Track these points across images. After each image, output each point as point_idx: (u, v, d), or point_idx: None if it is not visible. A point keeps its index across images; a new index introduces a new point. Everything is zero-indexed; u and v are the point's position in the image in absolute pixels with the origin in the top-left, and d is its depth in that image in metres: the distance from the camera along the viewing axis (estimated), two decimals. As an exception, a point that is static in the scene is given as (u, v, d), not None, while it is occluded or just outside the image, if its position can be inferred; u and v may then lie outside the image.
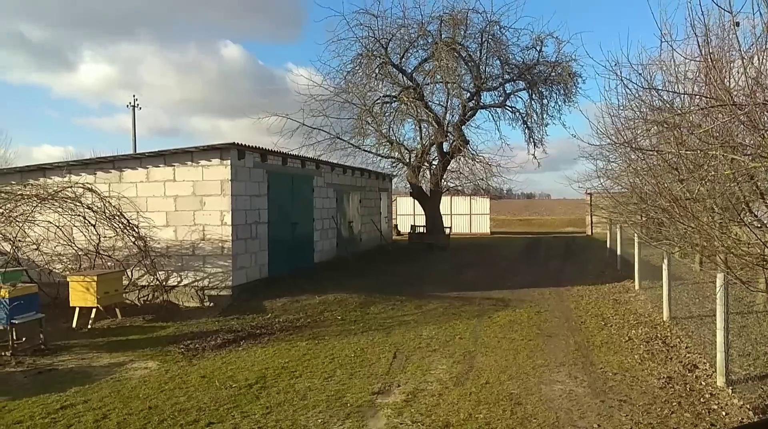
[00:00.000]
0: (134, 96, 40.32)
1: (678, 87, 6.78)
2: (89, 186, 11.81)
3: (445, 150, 24.19)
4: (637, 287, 13.12)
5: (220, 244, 12.20)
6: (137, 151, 13.99)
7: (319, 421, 5.77)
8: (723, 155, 5.45)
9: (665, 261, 9.82)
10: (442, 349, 8.43)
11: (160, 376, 7.50)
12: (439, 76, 22.87)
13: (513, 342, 8.76)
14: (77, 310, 10.49)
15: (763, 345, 7.33)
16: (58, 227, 11.88)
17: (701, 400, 5.96)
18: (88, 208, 11.49)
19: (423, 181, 24.93)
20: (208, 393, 6.73)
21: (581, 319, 10.41)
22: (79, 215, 11.57)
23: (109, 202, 11.67)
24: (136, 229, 11.79)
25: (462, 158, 23.84)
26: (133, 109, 40.51)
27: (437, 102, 24.49)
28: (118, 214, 11.59)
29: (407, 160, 23.87)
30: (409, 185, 25.17)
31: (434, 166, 24.49)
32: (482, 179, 24.10)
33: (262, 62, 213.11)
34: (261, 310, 11.50)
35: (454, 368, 7.46)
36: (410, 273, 17.07)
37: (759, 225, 5.96)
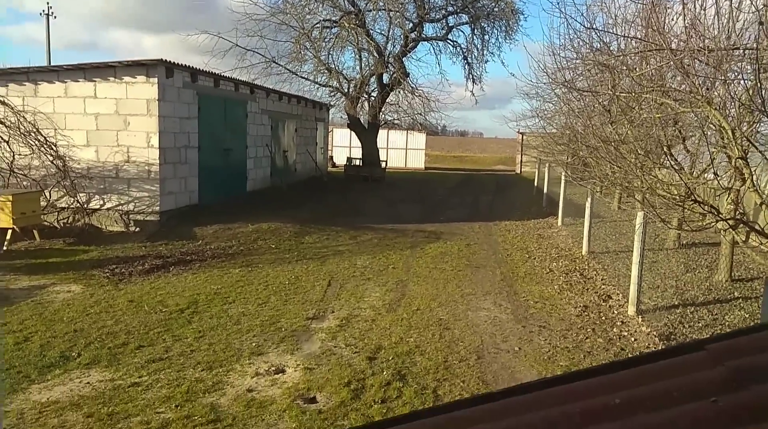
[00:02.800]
0: (48, 2, 36.51)
1: (617, 29, 6.89)
2: (1, 98, 10.84)
3: (384, 82, 23.83)
4: (560, 224, 13.80)
5: (146, 168, 11.64)
6: (53, 64, 12.83)
7: (254, 344, 5.82)
8: (654, 100, 5.66)
9: (588, 199, 10.32)
10: (376, 278, 8.62)
11: (85, 300, 7.27)
12: (381, 3, 22.16)
13: (443, 272, 9.07)
14: (-10, 231, 9.86)
15: (671, 279, 7.97)
16: (-35, 142, 10.92)
17: (613, 327, 6.47)
18: (0, 122, 10.59)
19: (361, 113, 24.61)
20: (136, 317, 6.61)
21: (507, 252, 10.89)
22: (-11, 130, 10.66)
23: (23, 116, 10.78)
24: (54, 148, 11.03)
25: (401, 91, 23.64)
26: (47, 17, 36.93)
27: (379, 31, 23.89)
28: (34, 130, 10.77)
29: (346, 91, 23.37)
30: (346, 116, 24.78)
31: (373, 98, 24.16)
32: (420, 114, 24.10)
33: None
34: (191, 236, 11.24)
35: (387, 296, 7.67)
36: (345, 205, 17.11)
37: (678, 168, 6.33)
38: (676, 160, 6.94)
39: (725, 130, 4.65)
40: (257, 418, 4.36)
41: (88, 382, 4.93)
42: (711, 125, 5.59)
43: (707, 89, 4.92)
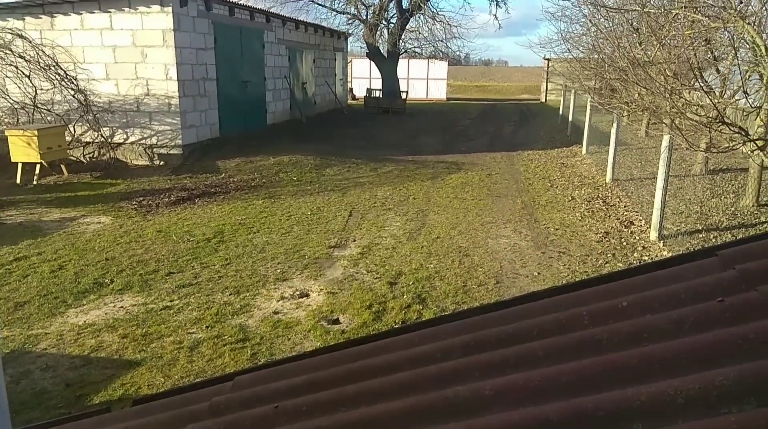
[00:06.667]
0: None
1: (650, -59, 6.48)
2: (18, 32, 10.79)
3: (404, 7, 23.02)
4: (584, 152, 13.56)
5: (166, 101, 11.64)
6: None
7: (278, 271, 6.00)
8: (685, 17, 5.39)
9: (614, 125, 10.07)
10: (396, 208, 8.68)
11: (115, 230, 7.50)
12: None
13: (464, 202, 9.09)
14: (20, 166, 10.09)
15: (696, 205, 7.87)
16: (-13, 77, 11.00)
17: (634, 252, 6.47)
18: (20, 56, 10.60)
19: (380, 42, 23.95)
20: (165, 246, 6.82)
21: (529, 181, 10.81)
22: (10, 65, 10.69)
23: (42, 50, 10.76)
24: (75, 81, 11.06)
25: (422, 17, 22.84)
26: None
27: (397, -49, 22.81)
28: (54, 64, 10.77)
29: (364, 17, 22.67)
30: (365, 46, 24.15)
31: (392, 25, 23.41)
32: (442, 41, 23.38)
33: None
34: (214, 169, 11.36)
35: (407, 225, 7.75)
36: (366, 137, 16.99)
37: (708, 89, 6.10)
38: (705, 81, 6.68)
39: (759, 47, 4.44)
40: (283, 337, 4.56)
41: (122, 306, 5.17)
42: (744, 43, 5.33)
43: (741, 2, 4.66)
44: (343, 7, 22.61)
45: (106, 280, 5.74)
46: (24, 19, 11.59)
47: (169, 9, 11.20)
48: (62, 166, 10.65)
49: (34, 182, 10.07)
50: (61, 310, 5.09)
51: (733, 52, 5.26)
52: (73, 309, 5.13)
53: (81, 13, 11.49)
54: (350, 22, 23.60)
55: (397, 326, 4.59)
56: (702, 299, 1.21)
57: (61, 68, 10.85)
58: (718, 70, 7.23)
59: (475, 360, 1.26)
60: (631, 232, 7.20)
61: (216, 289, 5.53)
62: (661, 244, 6.52)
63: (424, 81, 35.30)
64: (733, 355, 1.00)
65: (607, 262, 6.16)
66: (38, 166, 10.08)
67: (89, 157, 11.69)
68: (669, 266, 1.44)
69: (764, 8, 4.58)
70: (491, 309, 1.60)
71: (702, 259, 1.41)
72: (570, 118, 18.05)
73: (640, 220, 7.59)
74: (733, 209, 7.70)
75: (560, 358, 1.15)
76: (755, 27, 4.58)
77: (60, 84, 10.85)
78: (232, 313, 5.00)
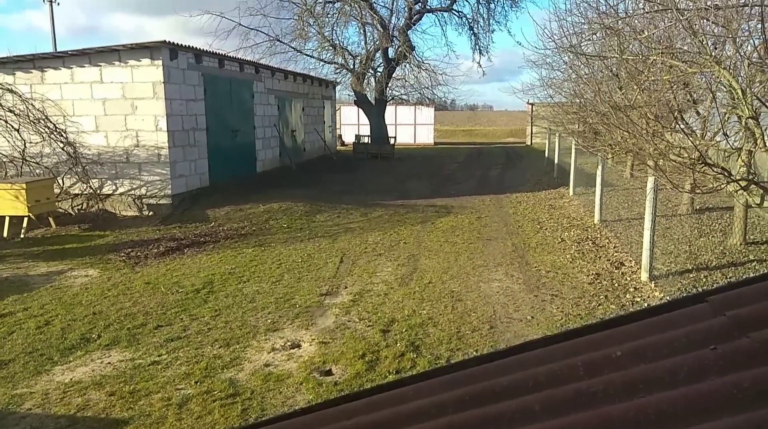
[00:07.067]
0: (50, -10, 36.31)
1: (624, -9, 6.77)
2: (9, 86, 10.90)
3: (390, 56, 23.59)
4: (571, 193, 13.72)
5: (156, 151, 11.71)
6: (59, 50, 12.81)
7: (269, 321, 5.92)
8: (662, 62, 5.57)
9: (599, 167, 10.24)
10: (387, 253, 8.67)
11: (103, 283, 7.40)
12: (385, -25, 21.83)
13: (455, 245, 9.10)
14: (7, 219, 10.01)
15: (684, 244, 7.93)
16: (-24, 132, 11.03)
17: (626, 293, 6.48)
18: (10, 110, 10.67)
19: (368, 90, 24.43)
20: (153, 298, 6.73)
21: (519, 223, 10.87)
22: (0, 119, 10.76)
23: (32, 104, 10.85)
24: (64, 134, 11.11)
25: (408, 65, 23.42)
26: (51, 3, 36.86)
27: (382, 3, 23.61)
28: (44, 117, 10.84)
29: (351, 67, 23.19)
30: (353, 93, 24.62)
31: (379, 74, 23.96)
32: (427, 88, 23.89)
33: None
34: (204, 218, 11.34)
35: (398, 270, 7.72)
36: (355, 182, 17.12)
37: (689, 131, 6.25)
38: (686, 123, 6.86)
39: (735, 90, 4.58)
40: (275, 391, 4.46)
41: (109, 362, 5.05)
42: (721, 86, 5.50)
43: (716, 49, 4.84)
44: (331, 57, 23.17)
45: (93, 336, 5.63)
46: (14, 73, 11.74)
47: (159, 62, 11.41)
48: (50, 219, 10.58)
49: (22, 235, 9.98)
50: (47, 368, 4.96)
51: (711, 95, 5.42)
52: (59, 366, 5.00)
53: (71, 67, 11.67)
54: (338, 71, 24.14)
55: (390, 380, 4.51)
56: (695, 347, 1.20)
57: (51, 121, 10.93)
58: (698, 112, 7.44)
59: (470, 415, 1.24)
60: (622, 273, 7.22)
61: (205, 341, 5.43)
62: (653, 285, 6.53)
63: (411, 126, 35.88)
64: (729, 405, 0.99)
65: (600, 305, 6.15)
66: (26, 219, 10.01)
67: (78, 209, 11.64)
68: (660, 313, 1.44)
69: (738, 53, 4.75)
70: (485, 360, 1.59)
71: (693, 306, 1.41)
72: (556, 161, 18.34)
73: (631, 260, 7.63)
74: (721, 248, 7.77)
75: (556, 412, 1.14)
76: (731, 71, 4.74)
77: (49, 137, 10.90)
78: (222, 366, 4.89)
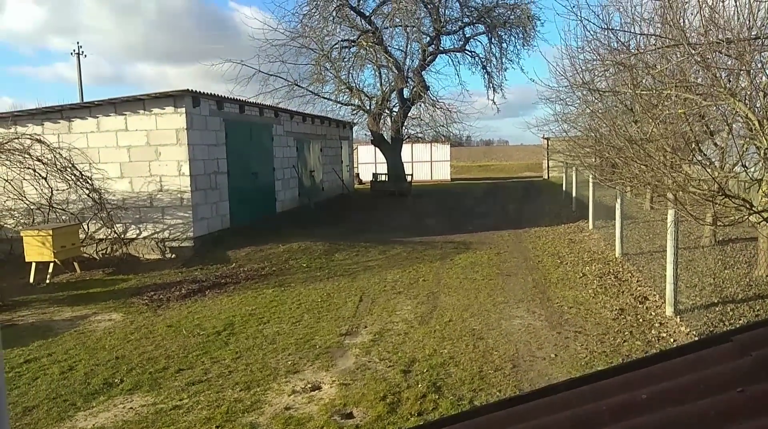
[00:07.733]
0: (78, 43, 37.97)
1: (634, 28, 6.85)
2: (37, 137, 11.29)
3: (405, 96, 23.99)
4: (591, 227, 13.60)
5: (179, 195, 11.94)
6: (85, 101, 13.33)
7: (289, 362, 5.89)
8: (676, 95, 5.60)
9: (618, 201, 10.17)
10: (407, 291, 8.63)
11: (126, 327, 7.46)
12: (398, 19, 22.43)
13: (474, 282, 9.03)
14: (33, 265, 10.21)
15: (709, 277, 7.77)
16: (6, 181, 11.39)
17: (651, 329, 6.34)
18: (38, 160, 11.03)
19: (384, 129, 24.79)
20: (175, 341, 6.76)
21: (538, 258, 10.78)
22: (28, 168, 11.11)
23: (59, 153, 11.21)
24: (90, 181, 11.41)
25: (422, 104, 23.76)
26: (78, 56, 38.38)
27: (397, 47, 24.14)
28: (70, 165, 11.17)
29: (368, 108, 23.61)
30: (370, 133, 24.99)
31: (395, 113, 24.33)
32: (443, 126, 24.16)
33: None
34: (225, 260, 11.45)
35: (418, 308, 7.67)
36: (373, 220, 17.19)
37: (708, 163, 6.21)
38: (704, 155, 6.82)
39: (752, 122, 4.57)
40: (296, 435, 4.41)
41: (131, 407, 5.05)
42: (738, 118, 5.49)
43: (730, 81, 4.85)
44: (348, 99, 23.62)
45: (116, 380, 5.65)
46: (43, 124, 12.17)
47: (183, 110, 11.75)
48: (75, 264, 10.77)
49: (47, 281, 10.15)
50: (70, 414, 4.97)
51: (728, 127, 5.41)
52: (82, 412, 5.02)
53: (98, 117, 12.06)
54: (355, 112, 24.58)
55: (411, 424, 4.44)
56: (722, 390, 1.19)
57: (77, 169, 11.25)
58: (715, 144, 7.40)
59: (496, 462, 1.23)
60: (646, 307, 7.08)
61: (226, 385, 5.41)
62: (678, 320, 6.39)
63: (428, 163, 36.15)
64: (760, 450, 0.98)
65: (625, 341, 6.02)
66: (51, 264, 10.20)
67: (102, 254, 11.84)
68: (684, 353, 1.43)
69: (752, 84, 4.76)
70: (507, 405, 1.57)
71: (717, 345, 1.39)
72: (574, 194, 18.26)
73: (654, 295, 7.49)
74: (747, 280, 7.60)
75: (583, 459, 1.12)
76: (746, 103, 4.74)
77: (75, 184, 11.20)
78: (243, 410, 4.86)
